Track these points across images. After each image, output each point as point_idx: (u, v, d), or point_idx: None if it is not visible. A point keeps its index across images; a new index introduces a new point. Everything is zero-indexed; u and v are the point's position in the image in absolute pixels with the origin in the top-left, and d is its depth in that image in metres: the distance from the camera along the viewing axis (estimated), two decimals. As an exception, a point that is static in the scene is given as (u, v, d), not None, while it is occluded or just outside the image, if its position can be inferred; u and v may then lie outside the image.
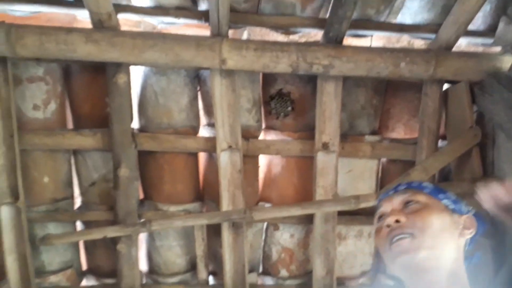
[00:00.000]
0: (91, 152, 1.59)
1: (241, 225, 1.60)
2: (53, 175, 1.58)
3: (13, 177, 1.47)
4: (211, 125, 1.61)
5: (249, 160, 1.62)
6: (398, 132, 1.66)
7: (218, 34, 1.39)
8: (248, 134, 1.58)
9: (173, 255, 1.71)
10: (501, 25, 1.35)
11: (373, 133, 1.63)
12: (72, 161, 1.63)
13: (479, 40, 1.47)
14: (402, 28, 1.43)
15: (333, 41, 1.40)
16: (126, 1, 1.42)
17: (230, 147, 1.52)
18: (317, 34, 1.49)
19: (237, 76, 1.46)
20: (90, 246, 1.73)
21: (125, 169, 1.53)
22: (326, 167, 1.55)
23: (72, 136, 1.53)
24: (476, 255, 0.89)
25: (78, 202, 1.67)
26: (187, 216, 1.61)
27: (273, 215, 1.61)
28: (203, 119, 1.65)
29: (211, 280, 1.78)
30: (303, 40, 1.51)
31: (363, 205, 1.53)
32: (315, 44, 1.42)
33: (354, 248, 1.75)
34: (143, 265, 1.76)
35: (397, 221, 0.85)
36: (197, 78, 1.58)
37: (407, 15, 1.43)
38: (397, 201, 0.90)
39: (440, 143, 1.58)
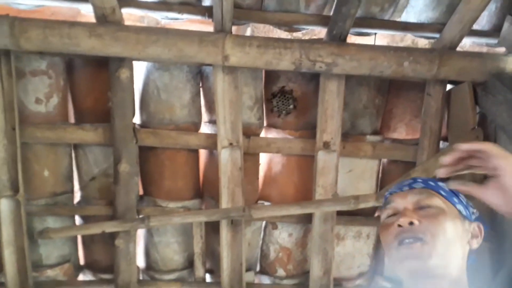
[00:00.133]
0: (92, 146, 1.58)
1: (239, 223, 1.60)
2: (53, 168, 1.58)
3: (14, 170, 1.48)
4: (212, 122, 1.61)
5: (250, 158, 1.61)
6: (400, 132, 1.65)
7: (221, 30, 1.39)
8: (249, 132, 1.58)
9: (171, 251, 1.71)
10: (506, 25, 1.34)
11: (375, 133, 1.62)
12: (73, 155, 1.63)
13: (483, 40, 1.46)
14: (406, 27, 1.43)
15: (337, 39, 1.40)
16: (130, -4, 1.42)
17: (231, 144, 1.52)
18: (320, 32, 1.49)
19: (239, 72, 1.46)
20: (88, 241, 1.72)
21: (125, 164, 1.52)
22: (326, 167, 1.54)
23: (74, 130, 1.53)
24: (470, 257, 0.87)
25: (77, 196, 1.66)
26: (186, 213, 1.61)
27: (272, 214, 1.60)
28: (204, 116, 1.65)
29: (208, 278, 1.77)
30: (306, 37, 1.51)
31: (362, 205, 1.52)
32: (318, 41, 1.41)
33: (352, 249, 1.74)
34: (140, 261, 1.75)
35: (410, 223, 0.82)
36: (199, 74, 1.58)
37: (412, 13, 1.42)
38: (411, 200, 0.86)
39: (442, 144, 1.57)
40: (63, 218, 1.64)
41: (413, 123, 1.63)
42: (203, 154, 1.70)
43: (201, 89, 1.60)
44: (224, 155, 1.52)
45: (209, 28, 1.42)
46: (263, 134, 1.64)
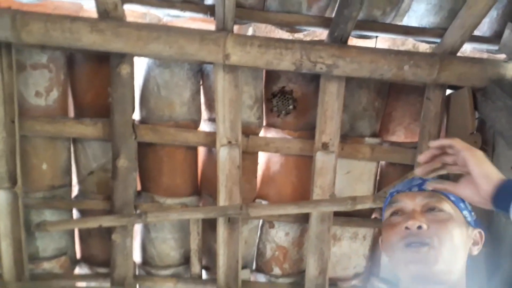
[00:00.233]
0: (91, 141, 1.59)
1: (236, 221, 1.60)
2: (52, 162, 1.58)
3: (12, 162, 1.48)
4: (212, 120, 1.61)
5: (248, 156, 1.62)
6: (399, 135, 1.66)
7: (223, 29, 1.39)
8: (249, 131, 1.58)
9: (168, 247, 1.72)
10: (506, 32, 1.34)
11: (374, 135, 1.63)
12: (72, 149, 1.63)
13: (484, 46, 1.46)
14: (407, 31, 1.43)
15: (338, 41, 1.40)
16: (132, -8, 1.41)
17: (229, 142, 1.52)
18: (322, 34, 1.49)
19: (240, 72, 1.46)
20: (85, 235, 1.73)
21: (124, 159, 1.53)
22: (324, 167, 1.55)
23: (73, 125, 1.53)
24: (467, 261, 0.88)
25: (75, 190, 1.67)
26: (183, 210, 1.61)
27: (269, 213, 1.61)
28: (204, 114, 1.65)
29: (204, 274, 1.78)
30: (308, 38, 1.51)
31: (359, 206, 1.53)
32: (319, 43, 1.41)
33: (348, 250, 1.75)
34: (137, 256, 1.76)
35: (418, 227, 0.82)
36: (200, 72, 1.58)
37: (413, 18, 1.42)
38: (420, 202, 0.86)
39: (440, 148, 1.58)
40: (61, 212, 1.65)
41: (412, 126, 1.63)
42: (201, 151, 1.71)
43: (201, 87, 1.60)
44: (223, 153, 1.53)
45: (211, 26, 1.42)
46: (262, 133, 1.64)
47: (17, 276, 1.57)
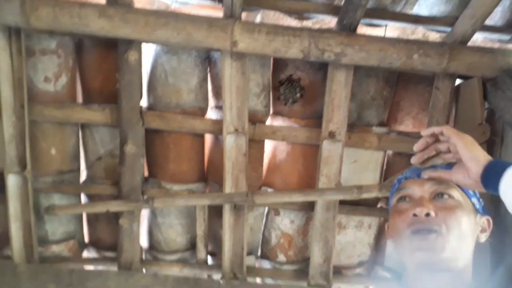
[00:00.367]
0: (99, 127, 1.60)
1: (242, 208, 1.62)
2: (60, 147, 1.60)
3: (22, 147, 1.50)
4: (219, 107, 1.61)
5: (255, 144, 1.62)
6: (406, 125, 1.65)
7: (231, 16, 1.38)
8: (255, 119, 1.58)
9: (174, 233, 1.74)
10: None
11: (381, 124, 1.62)
12: (80, 135, 1.65)
13: (495, 35, 1.44)
14: (417, 20, 1.41)
15: (347, 29, 1.38)
16: (141, -23, 1.41)
17: (236, 130, 1.52)
18: (331, 21, 1.48)
19: (247, 59, 1.45)
20: (93, 219, 1.76)
21: (131, 145, 1.54)
22: (331, 156, 1.55)
23: (81, 110, 1.54)
24: None
25: (83, 175, 1.69)
26: (190, 196, 1.63)
27: (275, 200, 1.62)
28: (211, 101, 1.65)
29: (210, 260, 1.80)
30: (316, 26, 1.49)
31: (365, 195, 1.53)
32: (328, 31, 1.40)
33: (353, 238, 1.76)
34: (143, 241, 1.78)
35: (427, 214, 0.82)
36: (207, 60, 1.58)
37: (424, 6, 1.40)
38: (429, 189, 0.85)
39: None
40: (69, 196, 1.67)
41: (420, 116, 1.62)
42: (208, 139, 1.71)
43: (208, 74, 1.60)
44: (229, 141, 1.53)
45: (219, 13, 1.41)
46: (269, 121, 1.64)
47: (26, 258, 1.60)
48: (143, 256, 1.79)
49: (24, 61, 1.44)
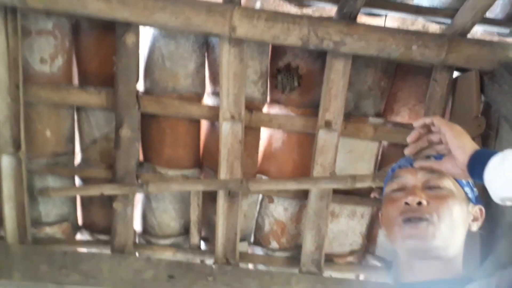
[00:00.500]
0: (95, 110, 1.59)
1: (236, 195, 1.62)
2: (55, 129, 1.59)
3: (16, 128, 1.49)
4: (215, 93, 1.61)
5: (251, 132, 1.62)
6: (403, 116, 1.65)
7: (230, 1, 1.37)
8: (252, 106, 1.58)
9: (168, 217, 1.74)
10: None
11: (378, 115, 1.62)
12: (75, 117, 1.64)
13: (495, 28, 1.44)
14: (418, 10, 1.40)
15: (347, 17, 1.38)
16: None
17: (232, 117, 1.52)
18: (331, 10, 1.47)
19: (246, 45, 1.44)
20: (87, 202, 1.76)
21: (127, 129, 1.54)
22: (326, 145, 1.55)
23: (77, 93, 1.53)
24: None
25: (78, 158, 1.68)
26: (184, 181, 1.64)
27: (269, 188, 1.63)
28: (208, 87, 1.64)
29: (203, 245, 1.82)
30: (316, 14, 1.48)
31: (359, 185, 1.54)
32: (328, 19, 1.39)
33: (345, 227, 1.77)
34: (137, 225, 1.79)
35: (418, 203, 0.83)
36: (205, 45, 1.57)
37: (425, -3, 1.39)
38: (422, 178, 0.86)
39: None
40: (63, 179, 1.67)
41: (417, 108, 1.63)
42: (204, 125, 1.71)
43: (206, 60, 1.59)
44: (225, 128, 1.53)
45: (219, -2, 1.40)
46: (265, 109, 1.64)
47: (20, 239, 1.61)
48: (137, 240, 1.80)
49: (20, 41, 1.42)
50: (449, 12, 1.40)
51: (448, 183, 0.86)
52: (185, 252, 1.76)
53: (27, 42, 1.46)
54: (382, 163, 1.72)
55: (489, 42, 1.43)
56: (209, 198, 1.70)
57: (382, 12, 1.43)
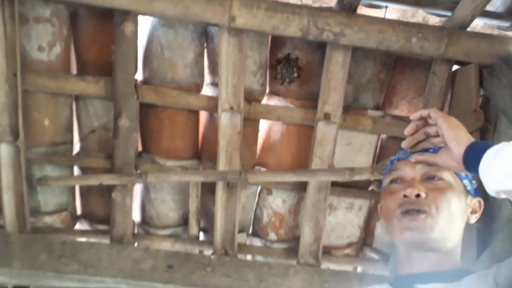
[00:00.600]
0: (93, 99, 1.59)
1: (235, 186, 1.62)
2: (54, 118, 1.59)
3: (14, 116, 1.49)
4: (214, 84, 1.60)
5: (250, 123, 1.62)
6: (402, 109, 1.65)
7: (230, -10, 1.36)
8: (251, 97, 1.57)
9: (167, 208, 1.75)
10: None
11: (377, 108, 1.62)
12: (74, 106, 1.63)
13: (495, 22, 1.43)
14: (418, 2, 1.39)
15: (347, 8, 1.37)
16: None
17: (231, 108, 1.52)
18: (331, 1, 1.46)
19: (245, 36, 1.43)
20: (86, 192, 1.76)
21: (125, 119, 1.53)
22: (325, 138, 1.55)
23: (75, 82, 1.52)
24: None
25: (77, 147, 1.68)
26: (183, 172, 1.64)
27: (268, 179, 1.63)
28: (207, 78, 1.64)
29: (202, 236, 1.82)
30: (316, 4, 1.47)
31: (357, 177, 1.54)
32: (328, 10, 1.39)
33: (343, 220, 1.78)
34: (136, 215, 1.79)
35: (417, 195, 0.83)
36: (204, 35, 1.56)
37: (426, -12, 1.39)
38: (420, 170, 0.86)
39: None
40: (62, 168, 1.67)
41: (416, 101, 1.62)
42: (203, 116, 1.71)
43: (205, 50, 1.58)
44: (224, 119, 1.53)
45: (218, -13, 1.39)
46: (264, 101, 1.63)
47: (19, 228, 1.61)
48: (135, 230, 1.80)
49: (18, 29, 1.41)
50: (450, 4, 1.39)
51: (446, 175, 0.86)
52: (184, 242, 1.77)
53: (25, 30, 1.45)
54: (381, 156, 1.72)
55: (489, 35, 1.42)
56: (208, 189, 1.70)
57: (383, 3, 1.42)
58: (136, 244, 1.75)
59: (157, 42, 1.51)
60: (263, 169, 1.71)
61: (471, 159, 0.75)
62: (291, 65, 1.56)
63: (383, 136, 1.70)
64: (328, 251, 1.80)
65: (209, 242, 1.75)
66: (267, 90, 1.63)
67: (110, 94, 1.52)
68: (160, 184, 1.69)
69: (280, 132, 1.69)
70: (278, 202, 1.76)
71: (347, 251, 1.84)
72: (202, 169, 1.72)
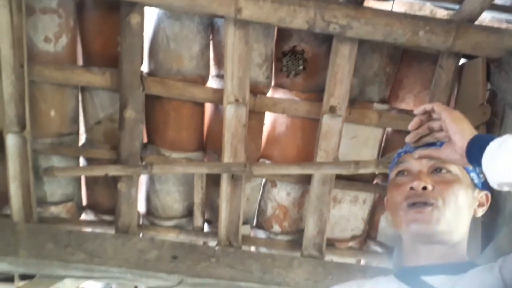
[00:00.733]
0: (99, 90, 1.59)
1: (240, 178, 1.63)
2: (60, 109, 1.60)
3: (21, 107, 1.49)
4: (220, 76, 1.60)
5: (255, 116, 1.62)
6: (408, 103, 1.64)
7: (236, -18, 1.35)
8: (257, 90, 1.57)
9: (172, 199, 1.76)
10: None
11: (382, 101, 1.62)
12: (80, 98, 1.64)
13: (504, 15, 1.42)
14: (426, -6, 1.39)
15: (354, 1, 1.36)
16: None
17: (237, 100, 1.52)
18: (338, -7, 1.45)
19: (251, 27, 1.43)
20: (91, 183, 1.77)
21: (131, 111, 1.54)
22: (330, 131, 1.55)
23: (81, 73, 1.53)
24: None
25: (83, 138, 1.69)
26: (188, 164, 1.64)
27: (272, 172, 1.63)
28: (212, 70, 1.64)
29: (206, 227, 1.83)
30: (323, -3, 1.46)
31: (362, 171, 1.54)
32: (335, 2, 1.37)
33: (347, 213, 1.79)
34: (141, 206, 1.81)
35: (424, 187, 0.83)
36: (210, 27, 1.56)
37: (434, -19, 1.37)
38: (427, 162, 0.86)
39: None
40: (68, 159, 1.68)
41: (422, 95, 1.62)
42: (208, 108, 1.71)
43: (211, 42, 1.58)
44: (230, 111, 1.53)
45: (225, -22, 1.38)
46: (270, 93, 1.63)
47: (25, 218, 1.63)
48: (140, 221, 1.82)
49: (24, 19, 1.41)
50: (458, -3, 1.38)
51: (454, 168, 0.86)
52: (189, 233, 1.78)
53: (31, 20, 1.45)
54: (386, 149, 1.72)
55: (497, 29, 1.41)
56: (213, 181, 1.71)
57: (390, -4, 1.41)
58: (141, 234, 1.76)
59: (163, 34, 1.51)
60: (267, 161, 1.71)
61: (474, 151, 0.75)
62: (297, 58, 1.55)
63: (389, 129, 1.70)
64: (332, 244, 1.81)
65: (214, 233, 1.76)
66: (273, 83, 1.63)
67: (116, 86, 1.52)
68: (165, 176, 1.70)
69: (285, 125, 1.69)
70: (283, 195, 1.77)
71: (351, 244, 1.84)
72: (207, 161, 1.73)
